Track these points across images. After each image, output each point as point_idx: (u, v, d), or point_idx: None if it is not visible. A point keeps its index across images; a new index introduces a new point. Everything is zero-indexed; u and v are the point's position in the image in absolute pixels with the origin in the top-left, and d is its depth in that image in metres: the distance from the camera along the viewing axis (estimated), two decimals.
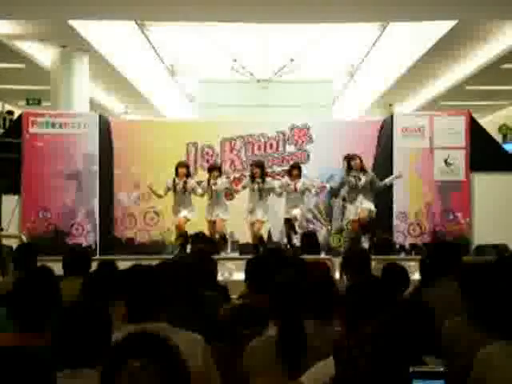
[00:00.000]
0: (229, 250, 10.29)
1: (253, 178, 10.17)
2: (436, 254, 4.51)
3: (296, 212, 10.09)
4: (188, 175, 10.15)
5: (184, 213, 10.06)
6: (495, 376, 2.72)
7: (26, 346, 2.17)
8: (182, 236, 10.00)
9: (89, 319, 2.57)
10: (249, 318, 3.92)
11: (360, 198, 9.94)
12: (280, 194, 10.28)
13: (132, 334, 1.87)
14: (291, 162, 11.16)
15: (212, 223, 10.20)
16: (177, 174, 10.07)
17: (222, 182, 10.28)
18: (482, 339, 3.00)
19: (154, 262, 4.30)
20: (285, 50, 15.67)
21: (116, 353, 1.81)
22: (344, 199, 11.11)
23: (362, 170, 10.03)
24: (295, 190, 10.18)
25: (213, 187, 10.15)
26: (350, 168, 10.05)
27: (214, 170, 10.32)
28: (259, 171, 10.14)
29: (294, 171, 10.29)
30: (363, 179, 9.92)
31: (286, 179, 10.40)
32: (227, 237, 10.41)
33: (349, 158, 10.12)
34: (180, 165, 10.15)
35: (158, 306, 3.10)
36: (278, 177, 11.31)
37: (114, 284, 3.76)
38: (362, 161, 10.10)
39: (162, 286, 3.20)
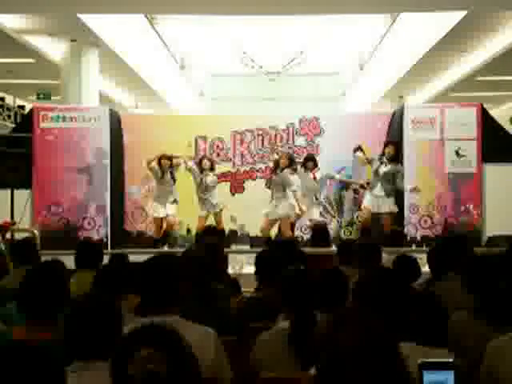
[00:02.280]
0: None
1: (276, 168, 9.94)
2: (444, 247, 4.49)
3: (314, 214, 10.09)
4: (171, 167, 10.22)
5: (164, 209, 10.14)
6: (507, 367, 2.71)
7: (37, 339, 2.18)
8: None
9: (100, 312, 2.58)
10: (259, 311, 3.93)
11: (378, 187, 9.73)
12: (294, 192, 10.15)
13: (142, 326, 1.89)
14: (301, 155, 11.15)
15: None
16: (160, 165, 10.13)
17: (212, 179, 10.28)
18: (488, 332, 2.99)
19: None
20: (294, 42, 15.65)
21: (125, 343, 1.82)
22: (355, 191, 11.10)
23: (393, 160, 9.80)
24: (314, 178, 10.05)
25: (204, 179, 10.20)
26: (382, 154, 9.84)
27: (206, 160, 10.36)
28: (288, 163, 9.89)
29: (309, 163, 10.14)
30: (389, 167, 9.73)
31: (303, 171, 10.17)
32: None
33: (384, 145, 9.96)
34: (163, 157, 10.18)
35: (172, 300, 3.09)
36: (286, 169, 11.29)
37: (126, 277, 3.77)
38: (397, 150, 9.93)
39: (176, 279, 3.19)
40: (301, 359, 3.05)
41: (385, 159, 9.79)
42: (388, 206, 9.83)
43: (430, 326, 2.89)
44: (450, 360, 1.85)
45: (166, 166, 10.12)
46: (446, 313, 2.98)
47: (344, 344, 1.71)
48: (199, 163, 10.35)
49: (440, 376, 1.81)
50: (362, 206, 10.10)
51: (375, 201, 9.81)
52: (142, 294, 3.20)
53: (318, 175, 10.17)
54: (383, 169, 9.76)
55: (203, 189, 10.24)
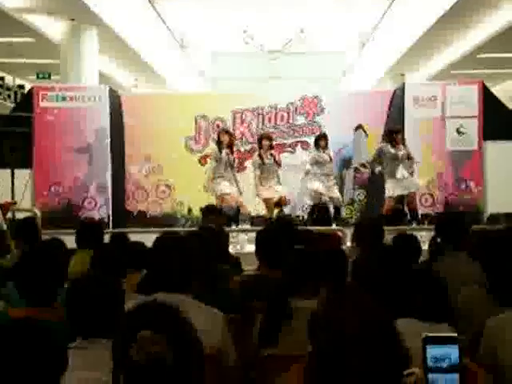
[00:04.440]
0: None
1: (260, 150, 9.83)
2: (444, 225, 4.46)
3: (317, 186, 9.94)
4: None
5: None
6: (506, 344, 2.72)
7: (38, 318, 2.19)
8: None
9: (101, 289, 2.59)
10: (261, 289, 3.94)
11: (400, 170, 9.51)
12: (307, 173, 10.02)
13: (142, 305, 1.89)
14: (302, 134, 11.14)
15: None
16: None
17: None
18: (495, 308, 3.00)
19: None
20: (295, 21, 15.55)
21: (126, 324, 1.82)
22: (356, 170, 11.06)
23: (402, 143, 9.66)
24: (330, 160, 9.95)
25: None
26: (393, 139, 9.55)
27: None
28: (269, 143, 9.85)
29: (322, 142, 9.97)
30: (403, 150, 9.56)
31: (315, 152, 10.06)
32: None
33: (392, 132, 9.73)
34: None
35: (187, 279, 3.08)
36: (288, 149, 11.29)
37: (126, 256, 3.78)
38: (403, 135, 9.81)
39: (192, 259, 3.16)
40: None
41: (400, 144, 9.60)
42: (415, 184, 9.74)
43: (429, 301, 2.90)
44: (455, 334, 1.85)
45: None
46: (445, 288, 2.99)
47: (341, 323, 1.71)
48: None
49: (444, 350, 1.81)
50: (387, 196, 9.75)
51: (400, 184, 9.61)
52: (152, 272, 3.18)
53: (332, 154, 10.06)
54: (401, 151, 9.58)
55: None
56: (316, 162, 9.98)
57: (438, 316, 2.85)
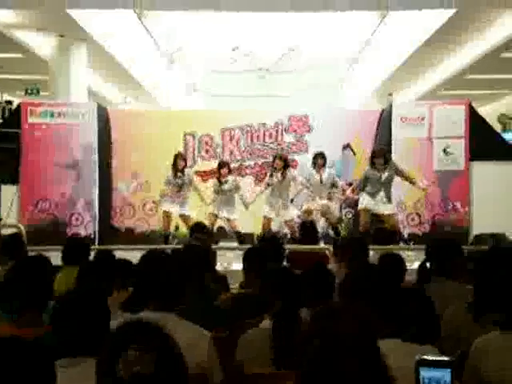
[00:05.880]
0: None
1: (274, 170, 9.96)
2: (434, 253, 4.39)
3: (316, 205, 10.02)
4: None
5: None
6: (490, 365, 2.72)
7: (23, 335, 2.18)
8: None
9: (87, 307, 2.57)
10: (248, 307, 3.93)
11: (381, 194, 9.61)
12: (304, 187, 10.09)
13: (128, 323, 1.88)
14: (290, 152, 11.17)
15: (214, 218, 10.06)
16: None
17: (232, 181, 10.12)
18: (481, 327, 3.00)
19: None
20: (285, 39, 15.63)
21: (112, 343, 1.82)
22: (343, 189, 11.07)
23: (386, 162, 9.63)
24: (321, 181, 10.00)
25: (223, 186, 10.04)
26: (373, 163, 9.60)
27: (224, 166, 10.18)
28: (283, 164, 9.91)
29: (319, 160, 10.02)
30: (386, 173, 9.59)
31: (311, 170, 10.14)
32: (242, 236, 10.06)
33: (372, 153, 9.81)
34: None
35: (171, 297, 3.07)
36: None
37: (111, 273, 3.76)
38: (387, 153, 9.90)
39: (176, 277, 3.15)
40: (282, 358, 3.05)
41: (378, 166, 9.61)
42: (389, 207, 9.74)
43: (418, 321, 2.89)
44: (447, 358, 1.86)
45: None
46: (433, 309, 2.99)
47: (336, 335, 1.72)
48: (218, 171, 10.23)
49: (436, 373, 1.81)
50: (361, 208, 9.82)
51: (373, 201, 9.66)
52: (139, 290, 3.17)
53: (326, 176, 10.07)
54: (384, 175, 9.60)
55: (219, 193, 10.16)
56: (309, 182, 10.05)
57: (423, 337, 2.84)
